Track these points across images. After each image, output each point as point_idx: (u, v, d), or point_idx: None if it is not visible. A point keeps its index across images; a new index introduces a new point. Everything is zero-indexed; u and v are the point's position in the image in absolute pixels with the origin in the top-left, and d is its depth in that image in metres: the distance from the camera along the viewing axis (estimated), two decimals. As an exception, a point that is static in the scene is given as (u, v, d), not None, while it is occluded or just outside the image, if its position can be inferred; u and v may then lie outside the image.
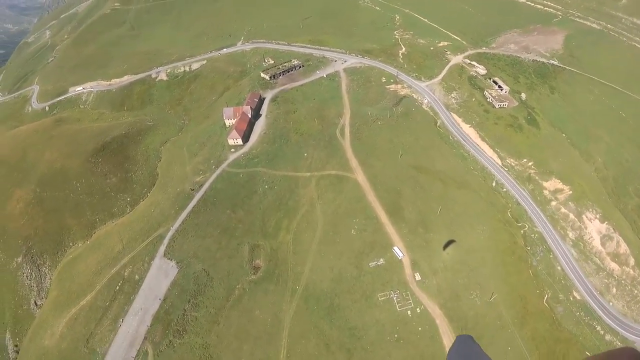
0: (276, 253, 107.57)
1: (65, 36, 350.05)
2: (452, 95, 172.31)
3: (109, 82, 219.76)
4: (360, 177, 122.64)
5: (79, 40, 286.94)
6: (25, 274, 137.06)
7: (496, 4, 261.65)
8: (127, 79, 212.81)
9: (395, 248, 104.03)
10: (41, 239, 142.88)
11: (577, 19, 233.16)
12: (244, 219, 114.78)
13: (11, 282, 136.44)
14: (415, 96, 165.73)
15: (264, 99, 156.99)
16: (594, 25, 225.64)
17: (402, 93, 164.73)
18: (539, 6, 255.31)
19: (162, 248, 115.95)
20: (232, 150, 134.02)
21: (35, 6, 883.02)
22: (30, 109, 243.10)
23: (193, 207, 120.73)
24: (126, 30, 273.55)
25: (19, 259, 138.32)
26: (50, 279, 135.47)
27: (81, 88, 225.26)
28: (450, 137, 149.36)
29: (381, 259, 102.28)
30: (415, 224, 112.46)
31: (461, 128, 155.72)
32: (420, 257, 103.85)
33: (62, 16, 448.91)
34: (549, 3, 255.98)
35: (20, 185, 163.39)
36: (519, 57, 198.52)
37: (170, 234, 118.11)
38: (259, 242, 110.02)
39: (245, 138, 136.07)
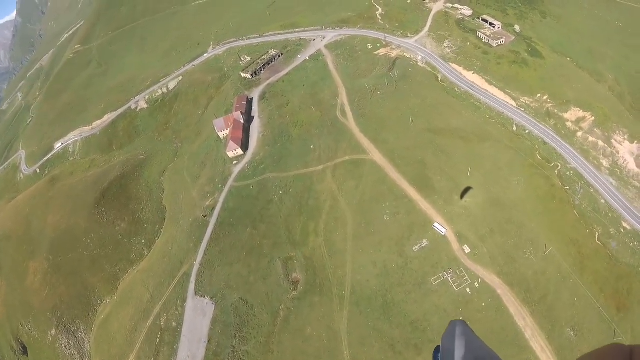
0: (311, 261, 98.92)
1: (37, 93, 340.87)
2: (445, 44, 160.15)
3: (90, 126, 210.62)
4: (376, 156, 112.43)
5: (51, 93, 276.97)
6: (63, 345, 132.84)
7: None
8: (107, 117, 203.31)
9: (436, 224, 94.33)
10: (68, 305, 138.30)
11: None
12: (267, 233, 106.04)
13: (52, 356, 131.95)
14: (407, 55, 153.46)
15: (252, 99, 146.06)
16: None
17: (393, 55, 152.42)
18: None
19: (192, 286, 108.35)
20: (234, 162, 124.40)
21: (0, 72, 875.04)
22: (22, 175, 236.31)
23: (211, 234, 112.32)
24: (94, 68, 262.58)
25: (53, 332, 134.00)
26: (89, 342, 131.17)
27: (62, 144, 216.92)
28: (457, 89, 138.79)
29: (424, 240, 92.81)
30: (449, 192, 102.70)
31: (465, 77, 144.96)
32: (463, 227, 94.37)
33: (28, 75, 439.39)
34: None
35: (33, 256, 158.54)
36: None
37: (195, 269, 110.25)
38: (291, 254, 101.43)
39: (244, 146, 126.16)
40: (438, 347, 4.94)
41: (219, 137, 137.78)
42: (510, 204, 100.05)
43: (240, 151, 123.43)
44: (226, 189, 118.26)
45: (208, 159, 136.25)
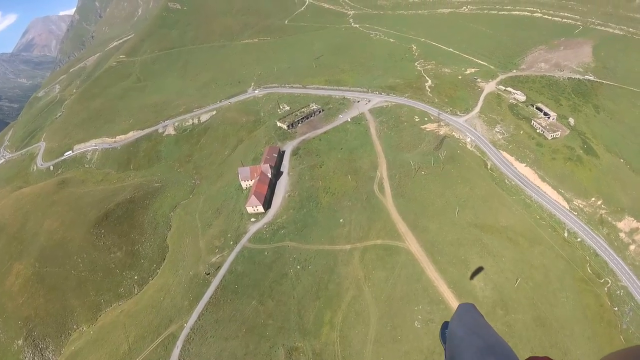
0: (320, 358, 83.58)
1: (74, 90, 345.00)
2: (496, 129, 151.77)
3: (113, 139, 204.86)
4: (413, 245, 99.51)
5: (86, 95, 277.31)
6: (27, 358, 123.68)
7: (512, 21, 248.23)
8: (132, 135, 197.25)
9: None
10: (43, 320, 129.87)
11: (598, 27, 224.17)
12: (275, 313, 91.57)
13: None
14: (456, 135, 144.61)
15: (283, 152, 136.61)
16: (617, 32, 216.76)
17: (441, 133, 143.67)
18: (556, 19, 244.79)
19: (177, 351, 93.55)
20: (252, 219, 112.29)
21: (48, 61, 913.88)
22: (35, 168, 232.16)
23: (210, 297, 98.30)
24: (132, 82, 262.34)
25: (20, 342, 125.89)
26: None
27: (84, 147, 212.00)
28: (507, 181, 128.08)
29: None
30: (492, 305, 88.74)
31: (516, 168, 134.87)
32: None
33: (71, 70, 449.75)
34: (565, 14, 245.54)
35: (19, 257, 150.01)
36: (553, 76, 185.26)
37: (184, 333, 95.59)
38: (298, 344, 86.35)
39: (267, 203, 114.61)
40: (446, 323, 4.75)
41: (241, 186, 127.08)
42: (557, 324, 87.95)
43: (261, 209, 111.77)
44: (237, 248, 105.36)
45: (224, 208, 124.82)
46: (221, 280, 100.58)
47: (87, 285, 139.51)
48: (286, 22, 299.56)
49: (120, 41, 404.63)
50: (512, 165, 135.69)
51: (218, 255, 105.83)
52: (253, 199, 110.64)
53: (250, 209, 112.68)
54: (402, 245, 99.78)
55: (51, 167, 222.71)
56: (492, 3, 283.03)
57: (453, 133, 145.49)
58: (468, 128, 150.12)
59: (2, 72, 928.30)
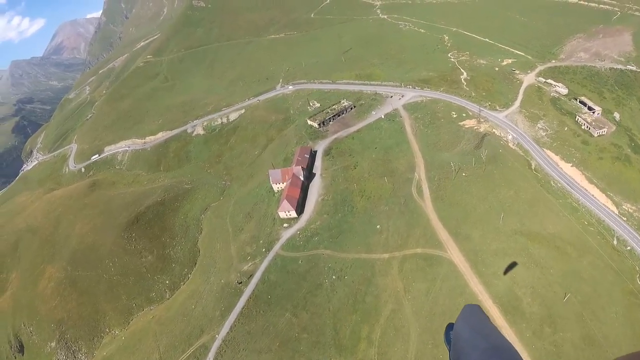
0: (358, 377, 78.84)
1: (104, 91, 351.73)
2: (539, 125, 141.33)
3: (143, 140, 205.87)
4: (455, 255, 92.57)
5: (114, 96, 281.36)
6: None
7: (546, 7, 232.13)
8: (161, 136, 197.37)
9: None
10: (75, 323, 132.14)
11: (636, 13, 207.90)
12: (309, 326, 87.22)
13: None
14: (497, 132, 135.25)
15: (315, 152, 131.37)
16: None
17: (481, 130, 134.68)
18: (592, 4, 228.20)
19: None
20: (285, 225, 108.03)
21: (78, 63, 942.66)
22: (67, 169, 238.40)
23: (242, 307, 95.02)
24: (160, 82, 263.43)
25: (53, 344, 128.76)
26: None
27: (114, 149, 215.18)
28: (552, 183, 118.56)
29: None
30: (540, 321, 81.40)
31: (561, 169, 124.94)
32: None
33: (100, 72, 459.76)
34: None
35: (52, 261, 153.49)
36: (594, 66, 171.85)
37: (216, 344, 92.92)
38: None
39: (300, 208, 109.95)
40: (451, 324, 4.73)
41: (272, 188, 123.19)
42: (606, 343, 79.63)
43: (294, 213, 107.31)
44: (270, 256, 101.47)
45: (255, 212, 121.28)
46: (253, 290, 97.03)
47: (118, 289, 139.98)
48: (312, 15, 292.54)
49: (147, 41, 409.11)
50: (558, 166, 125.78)
51: (250, 263, 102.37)
52: (285, 203, 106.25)
53: (282, 214, 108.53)
54: (444, 254, 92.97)
55: (82, 169, 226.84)
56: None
57: (493, 130, 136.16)
58: (509, 124, 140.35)
59: (34, 75, 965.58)
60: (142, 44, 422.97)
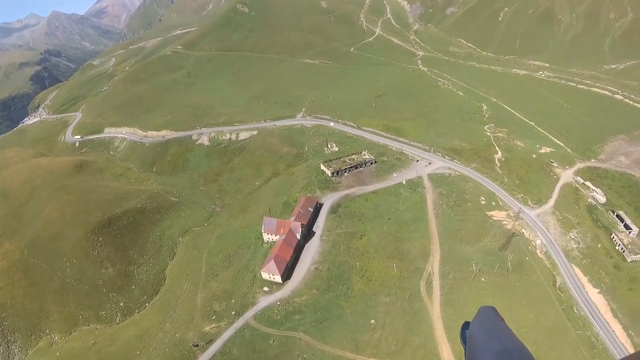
0: None
1: (127, 68, 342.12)
2: (571, 235, 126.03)
3: (145, 133, 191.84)
4: (457, 385, 75.71)
5: (132, 77, 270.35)
6: None
7: (591, 98, 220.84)
8: (165, 134, 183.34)
9: None
10: (17, 312, 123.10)
11: None
12: None
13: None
14: (526, 234, 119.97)
15: (321, 205, 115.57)
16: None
17: (509, 227, 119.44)
18: (638, 105, 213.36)
19: None
20: (265, 289, 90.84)
21: (114, 31, 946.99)
22: (63, 138, 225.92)
23: (190, 381, 77.47)
24: (182, 76, 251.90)
25: None
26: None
27: (114, 133, 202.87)
28: (575, 310, 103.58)
29: None
30: None
31: (587, 293, 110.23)
32: None
33: (130, 47, 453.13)
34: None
35: (12, 236, 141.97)
36: (633, 175, 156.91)
37: (146, 419, 74.90)
38: None
39: (287, 273, 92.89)
40: (467, 323, 4.74)
41: (262, 237, 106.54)
42: None
43: (278, 278, 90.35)
44: (238, 324, 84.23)
45: (237, 258, 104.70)
46: (209, 361, 79.77)
47: (69, 294, 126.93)
48: (352, 49, 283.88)
49: (183, 31, 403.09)
50: (584, 289, 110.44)
51: (214, 325, 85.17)
52: (272, 264, 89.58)
53: (265, 275, 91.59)
54: (444, 381, 76.17)
55: (77, 144, 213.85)
56: (570, 74, 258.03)
57: (523, 230, 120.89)
58: (540, 226, 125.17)
59: (69, 31, 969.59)
60: (177, 32, 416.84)
